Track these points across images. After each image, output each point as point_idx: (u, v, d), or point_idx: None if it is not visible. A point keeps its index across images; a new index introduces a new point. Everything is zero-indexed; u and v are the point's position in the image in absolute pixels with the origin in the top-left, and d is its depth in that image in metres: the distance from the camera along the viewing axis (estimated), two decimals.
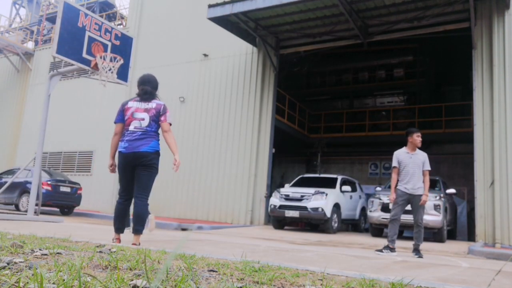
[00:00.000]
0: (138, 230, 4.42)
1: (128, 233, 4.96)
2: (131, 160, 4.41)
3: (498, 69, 10.19)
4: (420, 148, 6.44)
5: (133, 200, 4.60)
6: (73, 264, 1.81)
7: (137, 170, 4.45)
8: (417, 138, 6.37)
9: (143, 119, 4.44)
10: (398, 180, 6.34)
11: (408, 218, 9.64)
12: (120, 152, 4.46)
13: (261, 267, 2.27)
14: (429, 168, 6.33)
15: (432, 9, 11.05)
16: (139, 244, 4.32)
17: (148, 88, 4.57)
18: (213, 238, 7.22)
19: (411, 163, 6.28)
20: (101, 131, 16.31)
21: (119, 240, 4.53)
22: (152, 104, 4.51)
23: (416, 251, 6.11)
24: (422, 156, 6.34)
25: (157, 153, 4.50)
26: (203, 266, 2.26)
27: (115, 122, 4.56)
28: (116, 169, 4.61)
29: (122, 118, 4.52)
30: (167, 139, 4.51)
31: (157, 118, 4.49)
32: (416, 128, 6.68)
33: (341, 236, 10.26)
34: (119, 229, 4.58)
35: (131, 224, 8.15)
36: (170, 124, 4.56)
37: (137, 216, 4.44)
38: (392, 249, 6.14)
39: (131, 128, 4.44)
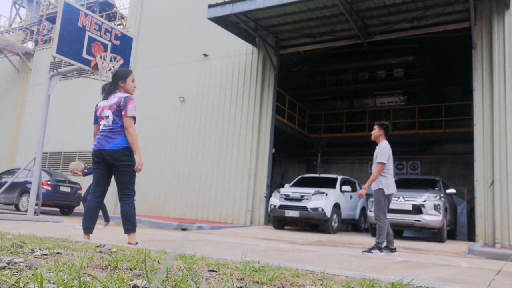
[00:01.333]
0: (128, 230, 4.40)
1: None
2: (101, 158, 4.44)
3: (498, 69, 10.19)
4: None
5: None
6: (73, 264, 1.81)
7: (113, 173, 4.49)
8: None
9: (108, 117, 4.44)
10: None
11: (404, 218, 9.74)
12: (92, 149, 4.55)
13: (261, 267, 2.27)
14: (380, 161, 6.07)
15: (432, 9, 11.05)
16: (136, 243, 4.29)
17: (107, 87, 4.61)
18: (213, 238, 7.22)
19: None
20: None
21: None
22: (114, 99, 4.46)
23: (373, 247, 5.92)
24: (376, 150, 6.28)
25: (125, 150, 4.39)
26: (203, 266, 2.26)
27: (93, 124, 4.64)
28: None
29: (97, 119, 4.60)
30: (127, 137, 4.38)
31: (119, 113, 4.40)
32: (377, 121, 6.55)
33: (341, 236, 10.26)
34: (88, 229, 4.46)
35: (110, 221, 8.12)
36: (134, 118, 4.38)
37: (123, 216, 4.42)
38: (393, 250, 6.13)
39: (101, 127, 4.50)
